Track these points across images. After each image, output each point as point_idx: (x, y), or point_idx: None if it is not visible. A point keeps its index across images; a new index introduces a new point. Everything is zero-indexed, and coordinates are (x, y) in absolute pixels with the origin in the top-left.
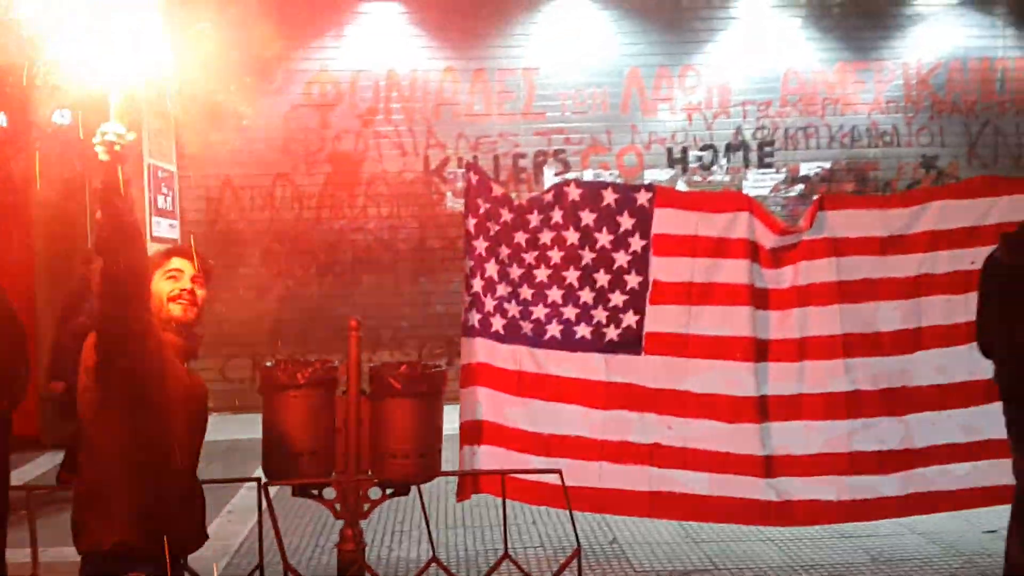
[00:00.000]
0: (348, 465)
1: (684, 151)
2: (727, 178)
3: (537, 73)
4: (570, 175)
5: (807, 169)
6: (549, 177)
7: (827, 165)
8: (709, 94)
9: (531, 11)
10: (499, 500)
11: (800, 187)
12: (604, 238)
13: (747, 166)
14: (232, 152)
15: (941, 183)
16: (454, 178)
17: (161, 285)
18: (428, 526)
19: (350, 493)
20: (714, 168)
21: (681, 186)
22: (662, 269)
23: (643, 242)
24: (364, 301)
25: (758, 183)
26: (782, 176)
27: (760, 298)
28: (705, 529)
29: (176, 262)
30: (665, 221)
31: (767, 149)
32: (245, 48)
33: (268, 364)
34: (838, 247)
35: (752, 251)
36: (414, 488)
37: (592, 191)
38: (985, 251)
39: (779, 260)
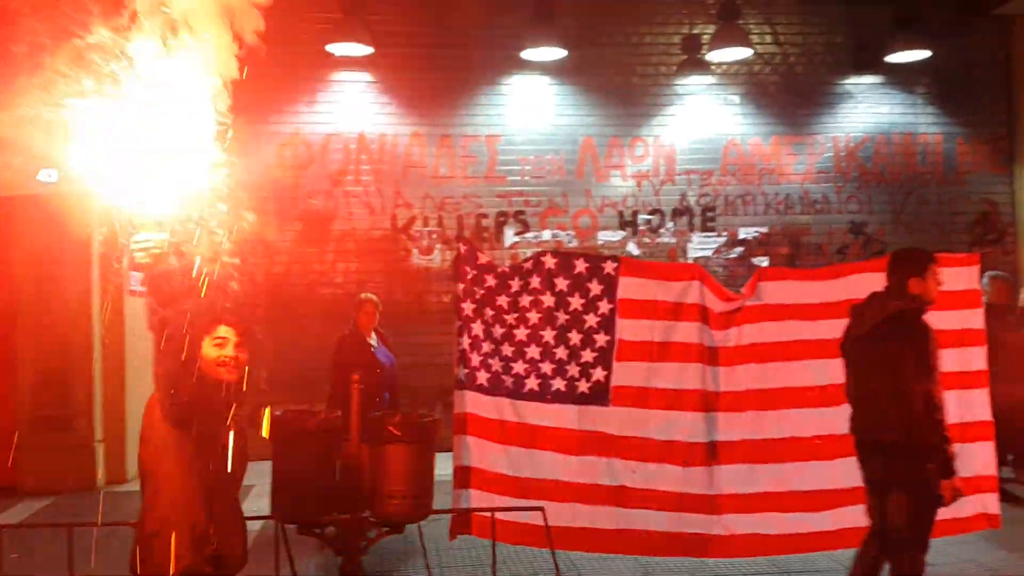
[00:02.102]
0: (349, 505)
1: (634, 214)
2: (673, 240)
3: (499, 140)
4: (529, 235)
5: (745, 233)
6: (509, 236)
7: (764, 230)
8: (657, 163)
9: (494, 84)
10: (479, 542)
11: (739, 250)
12: (576, 302)
13: (691, 229)
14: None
15: (869, 248)
16: (420, 236)
17: (210, 351)
18: (426, 556)
19: (351, 531)
20: (661, 231)
21: (631, 247)
22: (626, 330)
23: (610, 306)
24: (330, 352)
25: (701, 245)
26: (723, 239)
27: (710, 356)
28: (661, 565)
29: (222, 330)
30: (629, 288)
31: (709, 214)
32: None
33: (278, 413)
34: (775, 312)
35: (703, 315)
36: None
37: (566, 261)
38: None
39: (726, 323)
